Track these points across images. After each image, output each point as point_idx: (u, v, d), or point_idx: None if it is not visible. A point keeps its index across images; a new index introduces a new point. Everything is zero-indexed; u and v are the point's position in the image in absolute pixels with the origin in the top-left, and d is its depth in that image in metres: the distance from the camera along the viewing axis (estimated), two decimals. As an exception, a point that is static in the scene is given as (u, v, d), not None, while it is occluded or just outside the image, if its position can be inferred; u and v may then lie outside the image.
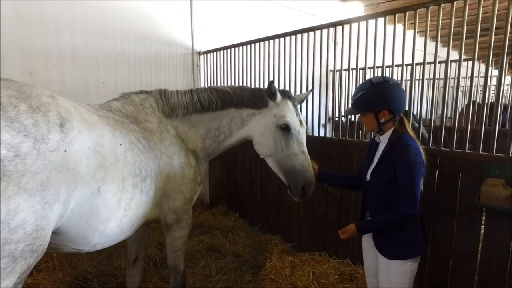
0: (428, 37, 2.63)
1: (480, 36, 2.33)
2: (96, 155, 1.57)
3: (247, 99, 2.34)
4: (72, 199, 1.44)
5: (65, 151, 1.39)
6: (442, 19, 2.48)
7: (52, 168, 1.32)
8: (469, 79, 2.59)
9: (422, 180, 1.84)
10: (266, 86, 2.32)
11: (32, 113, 1.30)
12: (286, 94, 2.37)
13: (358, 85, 2.05)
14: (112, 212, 1.66)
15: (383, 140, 1.98)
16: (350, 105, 2.06)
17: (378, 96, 1.88)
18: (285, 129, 2.23)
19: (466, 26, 2.35)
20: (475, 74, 2.50)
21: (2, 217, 1.15)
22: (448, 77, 2.56)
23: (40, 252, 1.32)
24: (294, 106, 2.37)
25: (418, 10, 2.61)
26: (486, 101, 2.63)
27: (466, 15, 2.33)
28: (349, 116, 3.95)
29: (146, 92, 2.29)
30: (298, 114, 2.37)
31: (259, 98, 2.34)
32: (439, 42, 2.58)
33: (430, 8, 2.54)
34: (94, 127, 1.62)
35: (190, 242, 3.68)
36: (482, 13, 2.26)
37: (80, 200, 1.49)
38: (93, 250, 1.77)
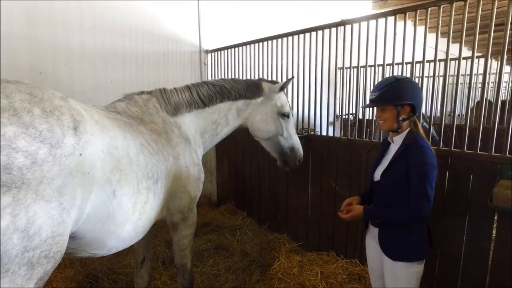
0: (439, 34, 2.58)
1: (493, 32, 2.28)
2: (111, 157, 1.55)
3: (244, 91, 2.56)
4: (88, 203, 1.43)
5: (80, 154, 1.36)
6: (453, 15, 2.43)
7: (68, 173, 1.29)
8: (481, 76, 2.54)
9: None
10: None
11: (46, 117, 1.26)
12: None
13: (379, 81, 2.04)
14: (128, 215, 1.65)
15: (396, 141, 1.96)
16: (370, 100, 2.00)
17: (403, 91, 1.87)
18: (287, 116, 2.68)
19: (479, 21, 2.29)
20: (487, 71, 2.44)
21: (22, 226, 1.14)
22: (458, 74, 2.52)
23: (57, 258, 1.31)
24: (285, 94, 2.77)
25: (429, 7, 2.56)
26: (498, 99, 2.57)
27: (480, 9, 2.28)
28: (358, 114, 3.92)
29: (147, 93, 2.29)
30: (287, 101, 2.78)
31: (255, 88, 2.61)
32: (450, 38, 2.52)
33: (442, 7, 2.47)
34: (105, 129, 1.60)
35: (198, 241, 3.71)
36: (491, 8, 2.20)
37: (95, 203, 1.47)
38: (107, 254, 1.76)
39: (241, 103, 2.57)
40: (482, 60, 3.51)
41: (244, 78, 4.44)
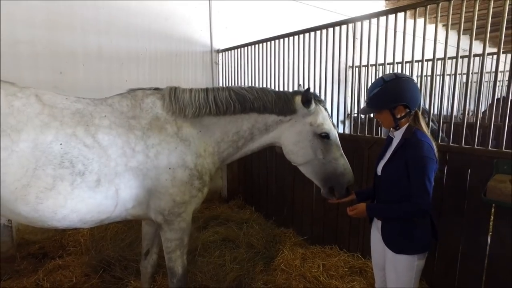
0: (449, 30, 2.54)
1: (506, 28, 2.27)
2: (4, 138, 1.68)
3: (270, 104, 2.21)
4: None
5: None
6: (465, 12, 2.41)
7: None
8: (493, 73, 2.46)
9: (434, 176, 1.84)
10: (292, 88, 2.27)
11: None
12: (317, 99, 2.26)
13: (370, 84, 2.06)
14: (16, 195, 1.73)
15: (397, 136, 1.99)
16: (364, 105, 2.05)
17: (392, 93, 1.88)
18: (325, 137, 2.18)
19: (491, 18, 2.27)
20: (499, 68, 2.37)
21: None
22: (468, 72, 2.51)
23: None
24: (326, 110, 2.31)
25: (440, 3, 2.50)
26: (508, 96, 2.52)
27: (492, 6, 2.27)
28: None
29: (155, 89, 2.21)
30: (330, 118, 2.32)
31: (285, 104, 2.22)
32: (465, 35, 2.47)
33: (452, 1, 2.45)
34: (17, 114, 1.73)
35: (206, 233, 3.87)
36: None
37: None
38: (29, 224, 1.92)
39: (270, 119, 2.24)
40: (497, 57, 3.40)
41: (256, 77, 4.52)
